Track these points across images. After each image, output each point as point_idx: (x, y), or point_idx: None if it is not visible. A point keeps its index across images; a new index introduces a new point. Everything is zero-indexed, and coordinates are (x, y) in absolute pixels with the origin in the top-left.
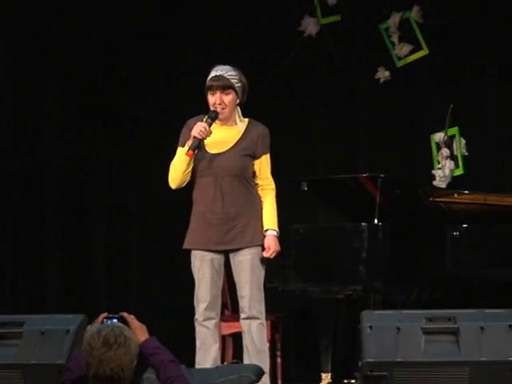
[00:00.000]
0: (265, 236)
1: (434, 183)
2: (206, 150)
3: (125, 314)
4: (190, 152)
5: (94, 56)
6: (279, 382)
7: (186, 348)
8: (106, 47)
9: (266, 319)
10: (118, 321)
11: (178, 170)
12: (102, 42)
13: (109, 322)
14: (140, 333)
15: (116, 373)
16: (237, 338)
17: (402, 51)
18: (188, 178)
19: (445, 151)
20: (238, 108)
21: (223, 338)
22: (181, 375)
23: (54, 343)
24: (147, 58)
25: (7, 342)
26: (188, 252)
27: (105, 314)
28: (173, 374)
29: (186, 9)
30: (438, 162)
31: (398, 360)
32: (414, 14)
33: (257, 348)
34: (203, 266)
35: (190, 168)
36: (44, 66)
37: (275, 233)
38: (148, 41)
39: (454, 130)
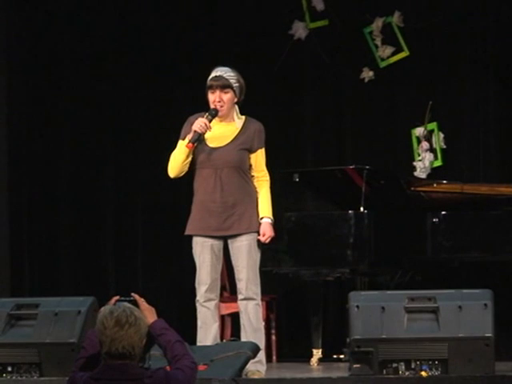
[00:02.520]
0: (260, 223)
1: (415, 174)
2: (206, 144)
3: (136, 296)
4: (190, 144)
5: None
6: (274, 357)
7: (188, 327)
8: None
9: (262, 300)
10: (130, 303)
11: (178, 160)
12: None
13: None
14: (149, 315)
15: (127, 350)
16: (235, 317)
17: (384, 53)
18: (186, 169)
19: (425, 144)
20: (236, 106)
21: (222, 318)
22: (187, 353)
23: (67, 323)
24: (149, 63)
25: (24, 322)
26: (190, 238)
27: (117, 297)
28: (179, 353)
29: (184, 13)
30: (419, 155)
31: (383, 337)
32: (396, 18)
33: (253, 326)
34: (204, 252)
35: (189, 159)
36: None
37: (270, 220)
38: (150, 48)
39: (433, 125)
